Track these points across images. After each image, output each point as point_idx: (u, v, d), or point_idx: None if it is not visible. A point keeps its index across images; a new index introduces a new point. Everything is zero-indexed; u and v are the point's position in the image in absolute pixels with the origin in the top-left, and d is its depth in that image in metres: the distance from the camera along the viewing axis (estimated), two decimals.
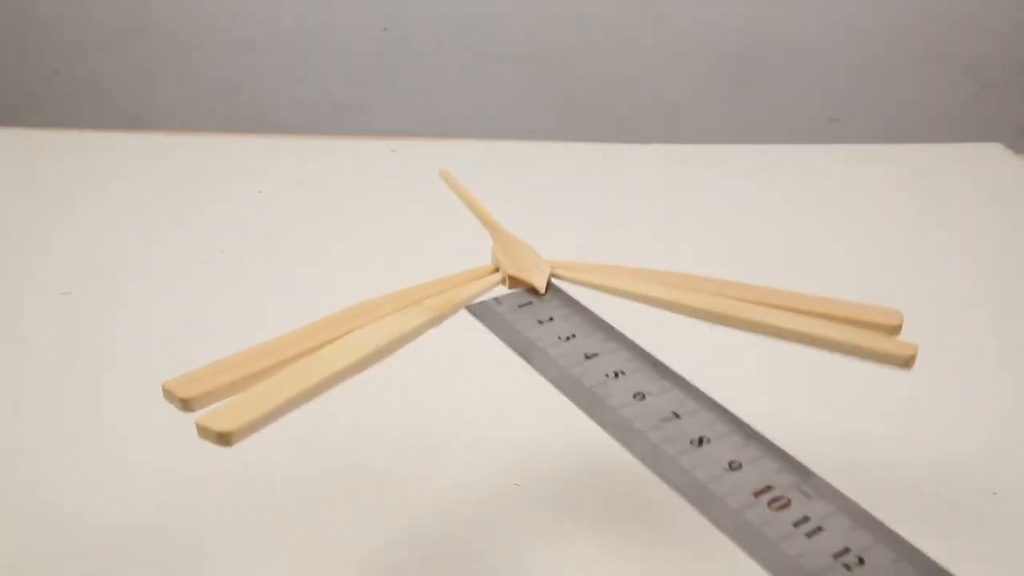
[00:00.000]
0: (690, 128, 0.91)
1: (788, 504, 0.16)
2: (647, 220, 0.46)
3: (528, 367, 0.20)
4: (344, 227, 0.44)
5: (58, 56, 0.90)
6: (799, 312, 0.21)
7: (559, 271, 0.24)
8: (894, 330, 0.20)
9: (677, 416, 0.18)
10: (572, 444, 0.28)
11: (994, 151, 0.56)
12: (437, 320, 0.22)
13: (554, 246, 0.43)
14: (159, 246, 0.42)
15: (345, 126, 0.91)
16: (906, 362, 0.19)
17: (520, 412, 0.29)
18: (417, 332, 0.21)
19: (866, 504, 0.16)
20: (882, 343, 0.20)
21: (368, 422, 0.29)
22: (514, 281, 0.23)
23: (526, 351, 0.21)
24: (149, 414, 0.30)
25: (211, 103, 0.91)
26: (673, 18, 0.87)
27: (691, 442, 0.17)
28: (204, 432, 0.17)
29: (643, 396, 0.19)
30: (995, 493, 0.27)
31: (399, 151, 0.54)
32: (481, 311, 0.22)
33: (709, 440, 0.17)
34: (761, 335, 0.20)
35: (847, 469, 0.26)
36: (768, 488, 0.16)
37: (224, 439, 0.17)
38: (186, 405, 0.18)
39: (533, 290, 0.23)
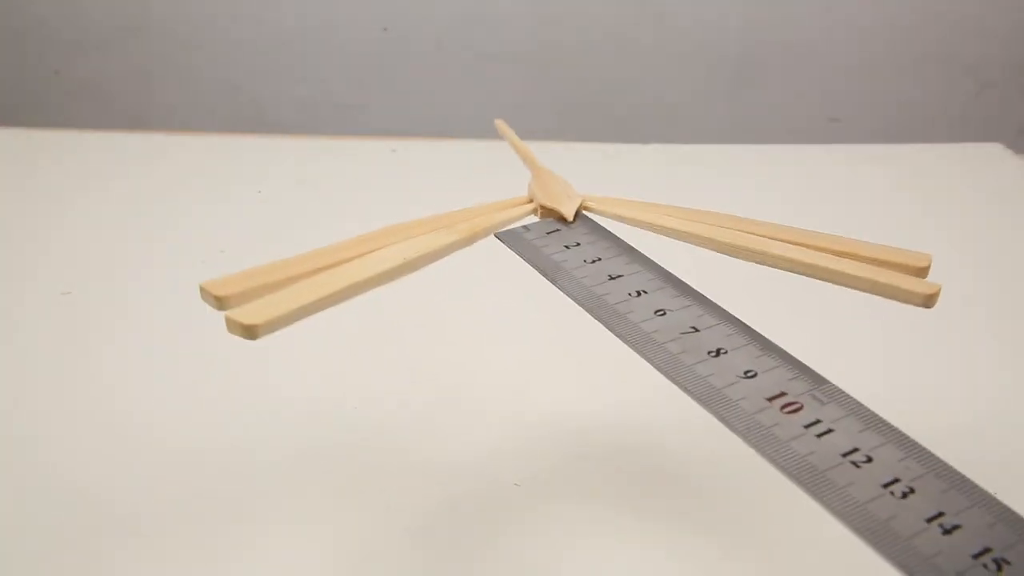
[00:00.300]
0: (690, 128, 0.91)
1: (800, 408, 0.17)
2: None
3: (555, 292, 0.21)
4: (344, 227, 0.44)
5: (58, 56, 0.89)
6: (824, 250, 0.21)
7: (591, 203, 0.25)
8: (920, 272, 0.20)
9: (696, 330, 0.19)
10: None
11: (994, 151, 0.56)
12: (467, 241, 0.23)
13: None
14: (159, 246, 0.42)
15: (345, 126, 0.91)
16: (926, 300, 0.20)
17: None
18: (447, 251, 0.22)
19: None
20: (903, 281, 0.20)
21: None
22: (545, 211, 0.24)
23: (552, 272, 0.21)
24: (149, 414, 0.30)
25: (211, 103, 0.91)
26: (673, 18, 0.87)
27: (709, 352, 0.18)
28: (232, 325, 0.18)
29: (664, 312, 0.20)
30: (995, 493, 0.27)
31: (399, 151, 0.54)
32: (510, 237, 0.23)
33: (726, 351, 0.18)
34: (785, 270, 0.21)
35: None
36: (782, 394, 0.17)
37: (249, 331, 0.18)
38: (220, 303, 0.19)
39: (563, 219, 0.24)
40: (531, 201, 0.25)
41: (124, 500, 0.26)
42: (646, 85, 0.90)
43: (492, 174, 0.52)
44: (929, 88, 0.89)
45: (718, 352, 0.18)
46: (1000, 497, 0.27)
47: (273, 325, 0.18)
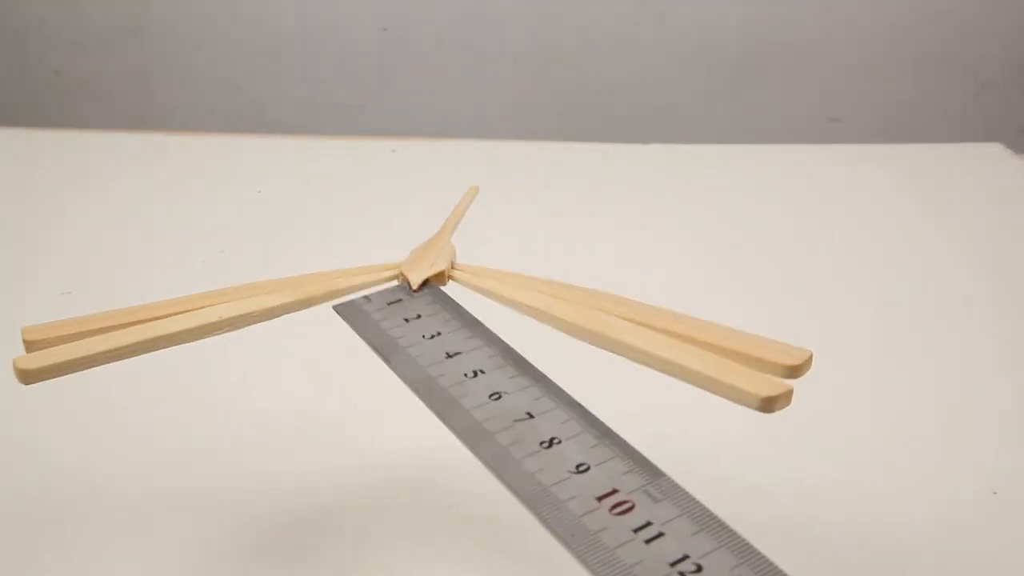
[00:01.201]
0: (690, 128, 0.91)
1: (631, 508, 0.16)
2: (647, 220, 0.46)
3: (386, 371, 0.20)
4: (344, 227, 0.44)
5: (58, 56, 0.90)
6: (686, 339, 0.19)
7: (457, 273, 0.24)
8: (789, 370, 0.18)
9: (531, 416, 0.18)
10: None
11: (994, 151, 0.56)
12: (299, 304, 0.22)
13: (554, 246, 0.44)
14: (159, 246, 0.42)
15: (345, 126, 0.91)
16: (763, 404, 0.17)
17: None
18: (274, 312, 0.21)
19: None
20: (739, 378, 0.17)
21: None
22: (403, 278, 0.23)
23: (387, 351, 0.20)
24: (149, 414, 0.30)
25: (211, 103, 0.91)
26: (673, 18, 0.87)
27: (541, 443, 0.17)
28: (14, 370, 0.19)
29: (499, 396, 0.18)
30: (995, 493, 0.27)
31: (399, 151, 0.54)
32: (347, 309, 0.22)
33: (560, 441, 0.17)
34: (627, 358, 0.19)
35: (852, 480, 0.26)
36: (613, 491, 0.16)
37: (23, 376, 0.19)
38: (28, 347, 0.20)
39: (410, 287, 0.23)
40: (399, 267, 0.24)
41: (124, 499, 0.26)
42: (646, 85, 0.90)
43: (492, 174, 0.52)
44: (929, 88, 0.89)
45: (551, 442, 0.17)
46: (999, 498, 0.27)
47: (47, 372, 0.19)
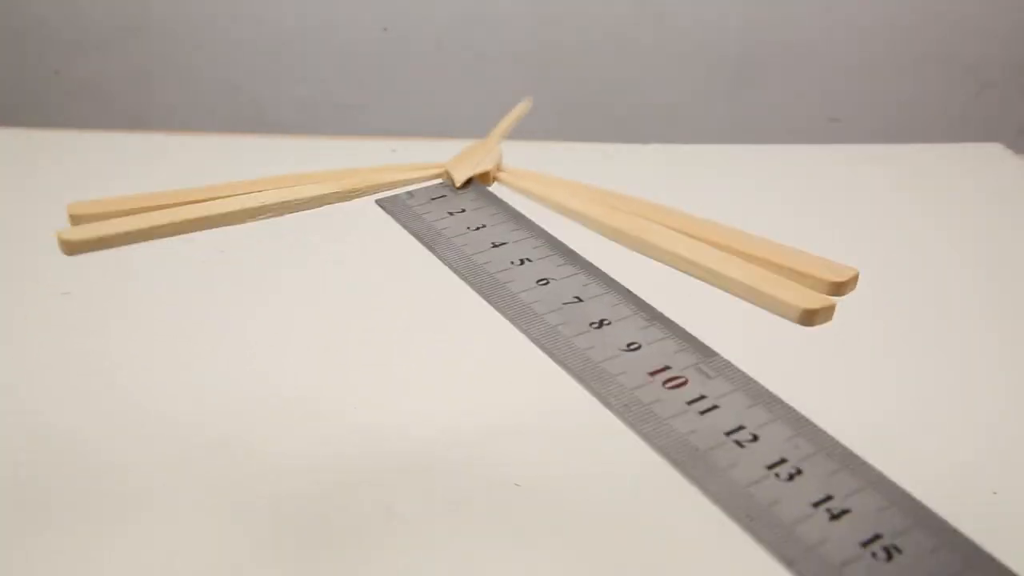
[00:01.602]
0: (690, 128, 0.91)
1: (685, 383, 0.16)
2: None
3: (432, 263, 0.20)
4: (343, 227, 0.44)
5: (58, 56, 0.89)
6: (727, 248, 0.19)
7: (502, 175, 0.23)
8: (834, 287, 0.18)
9: (579, 299, 0.18)
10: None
11: (994, 151, 0.56)
12: (346, 196, 0.22)
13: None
14: (159, 246, 0.42)
15: (345, 126, 0.91)
16: (803, 316, 0.17)
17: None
18: (316, 202, 0.22)
19: None
20: (785, 292, 0.17)
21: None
22: (448, 175, 0.23)
23: (431, 240, 0.20)
24: (149, 414, 0.30)
25: (211, 103, 0.91)
26: (673, 18, 0.87)
27: (591, 324, 0.17)
28: (59, 240, 0.19)
29: (547, 281, 0.19)
30: (995, 493, 0.27)
31: (399, 151, 0.54)
32: (391, 203, 0.22)
33: (609, 322, 0.17)
34: (669, 265, 0.19)
35: None
36: (665, 368, 0.16)
37: (67, 247, 0.19)
38: (72, 221, 0.20)
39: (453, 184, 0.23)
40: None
41: (123, 499, 0.26)
42: (646, 85, 0.90)
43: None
44: (929, 88, 0.89)
45: (601, 323, 0.17)
46: (1000, 499, 0.27)
47: (90, 245, 0.19)
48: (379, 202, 0.22)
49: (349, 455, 0.27)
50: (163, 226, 0.20)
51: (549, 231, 0.21)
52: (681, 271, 0.19)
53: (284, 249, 0.33)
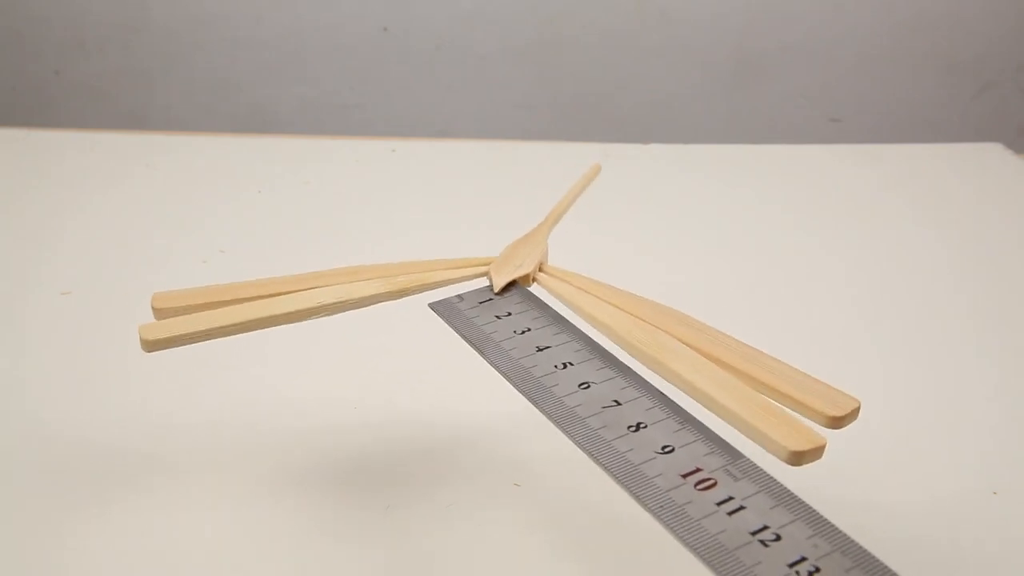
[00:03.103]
0: (690, 128, 0.91)
1: (714, 484, 0.17)
2: (647, 220, 0.46)
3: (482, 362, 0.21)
4: (344, 227, 0.44)
5: (58, 56, 0.90)
6: (736, 371, 0.20)
7: (542, 276, 0.25)
8: (832, 420, 0.18)
9: (618, 403, 0.19)
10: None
11: (994, 151, 0.56)
12: (397, 295, 0.23)
13: (554, 245, 0.43)
14: (159, 246, 0.42)
15: (345, 126, 0.91)
16: (789, 456, 0.17)
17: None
18: (369, 301, 0.23)
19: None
20: (777, 428, 0.18)
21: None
22: (491, 276, 0.24)
23: (481, 344, 0.22)
24: (149, 414, 0.30)
25: (211, 103, 0.91)
26: (673, 18, 0.87)
27: (628, 427, 0.18)
28: (139, 338, 0.21)
29: (588, 385, 0.20)
30: (995, 493, 0.27)
31: (399, 151, 0.54)
32: (443, 307, 0.23)
33: (646, 425, 0.18)
34: (677, 387, 0.20)
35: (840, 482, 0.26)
36: (697, 470, 0.17)
37: (146, 345, 0.21)
38: (157, 315, 0.22)
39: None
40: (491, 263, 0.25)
41: (123, 499, 0.26)
42: (646, 84, 0.90)
43: (492, 174, 0.52)
44: (929, 88, 0.89)
45: (638, 427, 0.18)
46: (999, 498, 0.27)
47: (168, 343, 0.21)
48: (432, 306, 0.24)
49: (351, 454, 0.27)
50: (231, 326, 0.21)
51: (588, 333, 0.22)
52: (684, 393, 0.20)
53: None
